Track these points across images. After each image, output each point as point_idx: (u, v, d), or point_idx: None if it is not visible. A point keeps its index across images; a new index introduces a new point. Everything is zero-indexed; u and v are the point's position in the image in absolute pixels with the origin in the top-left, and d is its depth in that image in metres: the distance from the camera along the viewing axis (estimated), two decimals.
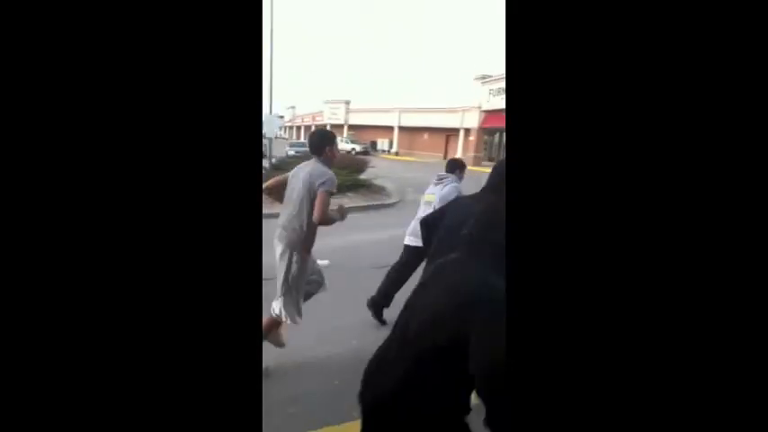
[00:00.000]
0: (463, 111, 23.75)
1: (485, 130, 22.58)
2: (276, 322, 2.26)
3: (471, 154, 22.50)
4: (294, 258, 2.13)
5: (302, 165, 2.28)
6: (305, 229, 2.11)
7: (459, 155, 23.86)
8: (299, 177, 2.17)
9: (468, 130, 23.55)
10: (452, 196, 2.74)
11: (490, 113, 21.50)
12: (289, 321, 2.20)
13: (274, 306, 2.22)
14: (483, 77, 21.96)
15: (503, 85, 20.17)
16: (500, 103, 20.47)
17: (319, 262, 2.62)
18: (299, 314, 2.22)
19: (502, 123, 20.49)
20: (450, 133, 26.70)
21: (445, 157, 26.85)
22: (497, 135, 23.26)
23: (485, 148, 23.56)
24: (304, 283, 2.24)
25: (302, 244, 2.13)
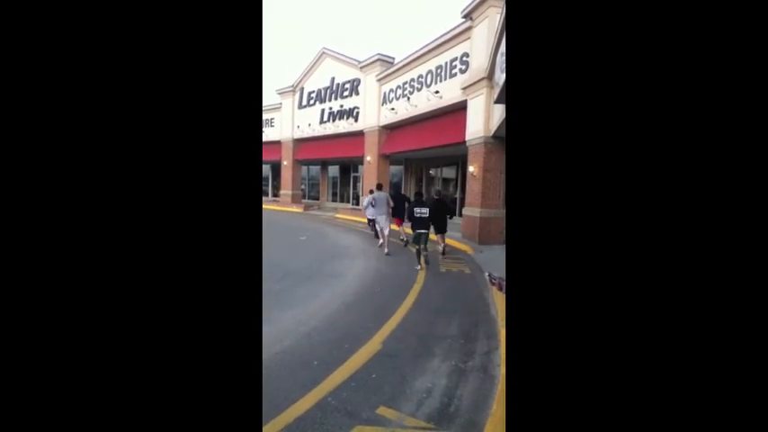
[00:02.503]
0: None
1: None
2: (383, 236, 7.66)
3: None
4: (385, 218, 7.57)
5: (376, 193, 7.74)
6: (386, 211, 7.60)
7: None
8: (381, 197, 7.62)
9: None
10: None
11: None
12: (386, 233, 7.58)
13: (383, 231, 7.61)
14: None
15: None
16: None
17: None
18: (387, 231, 7.53)
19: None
20: None
21: None
22: None
23: None
24: (389, 224, 7.68)
25: (386, 215, 7.60)
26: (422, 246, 6.12)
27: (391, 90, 12.84)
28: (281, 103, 18.87)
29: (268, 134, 19.68)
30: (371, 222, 8.94)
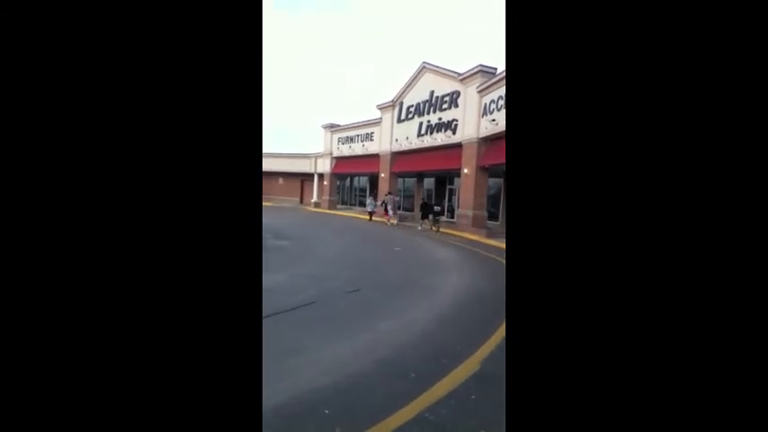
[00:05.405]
0: (316, 157, 25.05)
1: (336, 176, 24.14)
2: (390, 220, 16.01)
3: (326, 197, 23.74)
4: (392, 210, 16.13)
5: (388, 197, 16.70)
6: (393, 207, 16.21)
7: (314, 198, 24.88)
8: (390, 198, 16.38)
9: (321, 175, 24.83)
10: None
11: (340, 160, 23.21)
12: (396, 218, 16.34)
13: (394, 215, 16.27)
14: (331, 126, 23.68)
15: (349, 133, 22.13)
16: (348, 150, 22.31)
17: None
18: (395, 217, 16.23)
19: (350, 169, 22.36)
20: (304, 178, 27.64)
21: (301, 201, 27.52)
22: (348, 179, 25.23)
23: (337, 192, 25.15)
24: (395, 213, 16.47)
25: (393, 209, 16.28)
26: (433, 223, 13.21)
27: (492, 101, 12.48)
28: (380, 118, 19.59)
29: (368, 147, 20.55)
30: (371, 214, 17.61)
